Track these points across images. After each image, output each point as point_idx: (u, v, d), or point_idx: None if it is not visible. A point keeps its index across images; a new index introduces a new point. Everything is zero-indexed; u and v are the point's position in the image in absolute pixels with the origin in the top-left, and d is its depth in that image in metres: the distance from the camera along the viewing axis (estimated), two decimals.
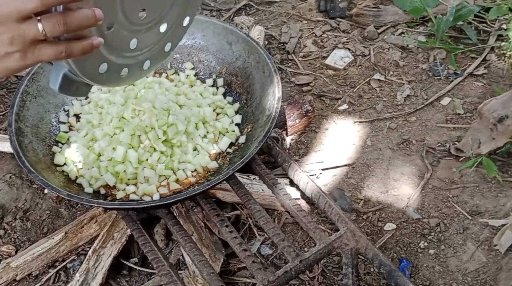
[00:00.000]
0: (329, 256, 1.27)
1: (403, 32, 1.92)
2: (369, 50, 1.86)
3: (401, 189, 1.51)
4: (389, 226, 1.43)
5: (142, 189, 1.29)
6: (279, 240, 1.20)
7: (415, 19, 1.94)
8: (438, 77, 1.78)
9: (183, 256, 1.36)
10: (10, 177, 1.54)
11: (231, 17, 2.01)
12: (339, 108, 1.72)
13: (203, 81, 1.56)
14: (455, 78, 1.77)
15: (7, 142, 1.56)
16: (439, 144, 1.60)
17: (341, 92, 1.76)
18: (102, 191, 1.30)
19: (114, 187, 1.31)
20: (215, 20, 1.56)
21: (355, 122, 1.68)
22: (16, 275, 1.32)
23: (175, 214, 1.35)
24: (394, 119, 1.68)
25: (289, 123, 1.58)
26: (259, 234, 1.42)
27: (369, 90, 1.76)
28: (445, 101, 1.71)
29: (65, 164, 1.35)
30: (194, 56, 1.58)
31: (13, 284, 1.34)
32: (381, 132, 1.65)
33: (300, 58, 1.86)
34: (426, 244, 1.39)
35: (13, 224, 1.45)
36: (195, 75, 1.57)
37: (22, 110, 1.34)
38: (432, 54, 1.84)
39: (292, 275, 1.15)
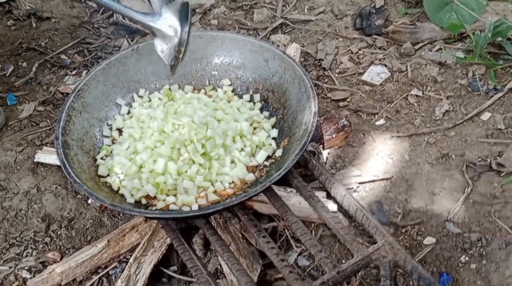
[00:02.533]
0: (366, 268, 1.26)
1: (440, 49, 1.91)
2: (406, 66, 1.86)
3: (440, 203, 1.49)
4: (429, 240, 1.41)
5: (182, 199, 1.32)
6: (316, 251, 1.20)
7: (452, 35, 1.94)
8: (478, 93, 1.76)
9: (221, 266, 1.37)
10: (56, 188, 1.60)
11: (268, 36, 2.05)
12: (376, 123, 1.72)
13: (240, 97, 1.59)
14: (495, 93, 1.74)
15: (53, 155, 1.63)
16: (480, 159, 1.57)
17: (378, 107, 1.76)
18: (143, 201, 1.34)
19: (155, 197, 1.35)
20: (251, 39, 1.60)
21: (392, 136, 1.67)
22: (61, 281, 1.36)
23: (213, 225, 1.37)
24: (432, 134, 1.66)
25: (325, 137, 1.59)
26: (296, 246, 1.42)
27: (406, 105, 1.76)
28: (485, 116, 1.69)
29: (108, 175, 1.39)
30: (231, 73, 1.62)
31: None
32: (419, 146, 1.64)
33: (336, 74, 1.88)
34: (467, 258, 1.36)
35: (59, 232, 1.51)
36: (233, 91, 1.61)
37: (68, 124, 1.41)
38: (471, 69, 1.82)
39: None
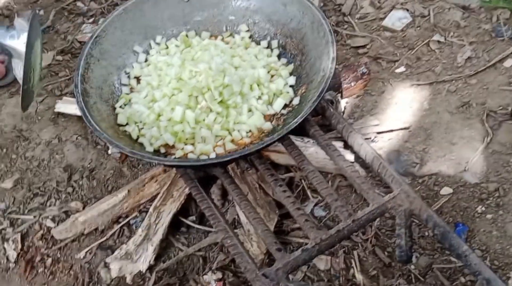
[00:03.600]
0: (382, 216, 1.28)
1: None
2: (429, 11, 1.80)
3: (459, 153, 1.48)
4: (446, 190, 1.41)
5: (200, 148, 1.33)
6: (332, 200, 1.21)
7: None
8: (502, 38, 1.70)
9: (238, 216, 1.40)
10: (76, 138, 1.63)
11: None
12: (396, 70, 1.69)
13: (258, 43, 1.56)
14: None
15: (73, 105, 1.64)
16: (501, 107, 1.54)
17: (398, 54, 1.73)
18: (162, 150, 1.36)
19: (173, 146, 1.36)
20: None
21: (412, 85, 1.65)
22: (84, 229, 1.41)
23: (231, 174, 1.39)
24: (453, 81, 1.63)
25: (344, 86, 1.57)
26: (312, 196, 1.44)
27: (427, 52, 1.72)
28: (508, 63, 1.64)
29: (127, 124, 1.41)
30: (249, 18, 1.59)
31: (81, 237, 1.44)
32: (439, 95, 1.61)
33: (356, 20, 1.83)
34: (483, 209, 1.36)
35: (80, 183, 1.55)
36: (250, 37, 1.58)
37: (86, 72, 1.41)
38: (496, 14, 1.75)
39: (344, 234, 1.17)
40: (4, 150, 1.63)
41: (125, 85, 1.50)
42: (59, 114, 1.69)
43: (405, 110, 1.59)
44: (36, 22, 1.15)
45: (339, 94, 1.57)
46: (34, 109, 1.71)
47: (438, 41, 1.72)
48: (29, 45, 1.13)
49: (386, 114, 1.59)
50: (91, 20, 1.97)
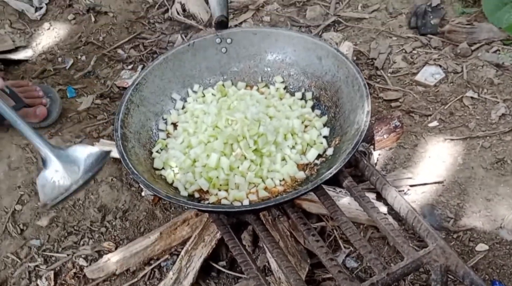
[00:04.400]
0: (417, 271, 1.26)
1: (498, 50, 1.86)
2: (462, 67, 1.82)
3: (494, 209, 1.46)
4: (481, 247, 1.38)
5: (233, 195, 1.35)
6: (366, 252, 1.20)
7: (511, 36, 1.88)
8: None
9: (268, 263, 1.39)
10: (111, 179, 1.66)
11: (320, 33, 2.05)
12: (429, 125, 1.69)
13: (292, 94, 1.60)
14: None
15: (109, 147, 1.68)
16: None
17: (431, 109, 1.74)
18: (196, 195, 1.38)
19: (207, 192, 1.38)
20: (305, 36, 1.61)
21: (445, 139, 1.65)
22: (116, 270, 1.42)
23: (263, 221, 1.39)
24: (487, 137, 1.63)
25: (377, 138, 1.58)
26: (344, 247, 1.43)
27: (461, 107, 1.72)
28: None
29: (163, 168, 1.44)
30: (284, 70, 1.63)
31: (113, 278, 1.44)
32: (473, 150, 1.60)
33: (389, 74, 1.86)
34: None
35: (114, 223, 1.57)
36: (285, 88, 1.62)
37: (126, 117, 1.46)
38: None
39: None
40: None
41: (162, 130, 1.54)
42: None
43: (439, 165, 1.59)
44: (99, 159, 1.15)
45: (372, 146, 1.58)
46: None
47: (472, 97, 1.73)
48: (85, 183, 1.15)
49: (419, 168, 1.59)
50: (130, 66, 2.04)
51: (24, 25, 2.19)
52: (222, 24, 1.60)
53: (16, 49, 2.09)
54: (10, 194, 1.66)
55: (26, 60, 2.07)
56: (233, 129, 1.41)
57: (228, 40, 1.63)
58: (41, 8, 2.21)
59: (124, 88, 1.95)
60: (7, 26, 2.18)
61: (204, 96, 1.62)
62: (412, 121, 1.72)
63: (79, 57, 2.09)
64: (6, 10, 2.23)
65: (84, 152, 1.16)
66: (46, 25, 2.19)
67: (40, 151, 1.16)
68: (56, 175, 1.14)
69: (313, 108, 1.56)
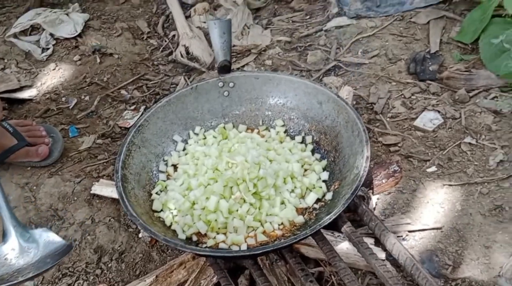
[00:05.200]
0: None
1: (496, 97, 1.89)
2: (460, 113, 1.85)
3: (493, 257, 1.45)
4: None
5: (231, 238, 1.34)
6: None
7: (509, 83, 1.91)
8: None
9: None
10: (109, 220, 1.66)
11: (321, 78, 2.08)
12: (428, 170, 1.70)
13: (293, 138, 1.62)
14: None
15: (109, 187, 1.70)
16: None
17: (429, 154, 1.75)
18: (194, 238, 1.37)
19: (205, 235, 1.38)
20: (306, 81, 1.63)
21: (444, 185, 1.65)
22: None
23: (260, 266, 1.38)
24: (486, 184, 1.63)
25: (375, 182, 1.58)
26: None
27: (459, 153, 1.74)
28: None
29: (161, 210, 1.44)
30: (285, 114, 1.65)
31: None
32: (471, 197, 1.61)
33: (388, 119, 1.88)
34: None
35: (109, 265, 1.56)
36: (285, 132, 1.64)
37: (127, 158, 1.47)
38: None
39: None
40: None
41: (162, 172, 1.55)
42: (95, 195, 1.73)
43: (437, 210, 1.59)
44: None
45: (371, 190, 1.58)
46: (72, 189, 1.76)
47: (470, 143, 1.75)
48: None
49: (418, 213, 1.59)
50: (132, 107, 2.07)
51: (30, 65, 2.24)
52: (225, 68, 1.64)
53: (21, 89, 2.13)
54: None
55: (30, 99, 2.11)
56: (233, 172, 1.42)
57: (231, 84, 1.66)
58: (47, 49, 2.26)
59: (126, 129, 1.97)
60: (13, 66, 2.22)
61: (205, 138, 1.64)
62: (411, 166, 1.73)
63: (82, 97, 2.12)
64: (13, 50, 2.28)
65: (46, 239, 1.15)
66: (51, 65, 2.23)
67: (3, 223, 1.15)
68: (10, 253, 1.13)
69: (313, 152, 1.57)
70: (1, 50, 2.29)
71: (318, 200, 1.45)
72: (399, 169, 1.58)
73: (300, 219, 1.40)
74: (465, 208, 1.58)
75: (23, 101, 2.10)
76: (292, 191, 1.46)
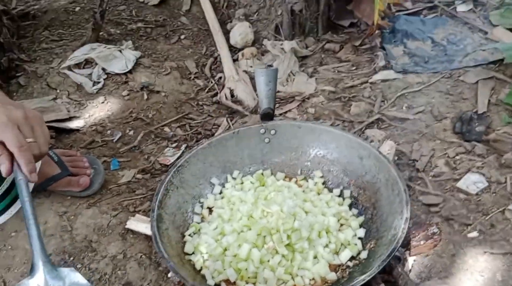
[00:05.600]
0: None
1: None
2: (506, 178, 1.78)
3: None
4: None
5: None
6: None
7: None
8: None
9: None
10: (140, 256, 1.66)
11: (363, 130, 2.07)
12: (469, 235, 1.64)
13: (331, 190, 1.60)
14: None
15: (144, 223, 1.70)
16: None
17: (471, 218, 1.69)
18: (223, 285, 1.36)
19: (234, 283, 1.36)
20: (349, 134, 1.63)
21: (485, 252, 1.58)
22: None
23: None
24: None
25: (413, 243, 1.54)
26: None
27: (503, 220, 1.67)
28: None
29: (193, 253, 1.44)
30: (324, 166, 1.64)
31: None
32: None
33: (430, 178, 1.84)
34: None
35: None
36: (323, 183, 1.63)
37: (164, 198, 1.48)
38: None
39: None
40: (71, 258, 1.69)
41: (197, 214, 1.56)
42: (129, 230, 1.74)
43: (476, 278, 1.52)
44: None
45: (408, 251, 1.54)
46: (107, 222, 1.78)
47: None
48: None
49: (456, 280, 1.52)
50: (174, 145, 2.10)
51: (81, 97, 2.32)
52: (268, 115, 1.65)
53: (69, 119, 2.20)
54: None
55: (78, 130, 2.17)
56: (267, 221, 1.41)
57: (272, 131, 1.67)
58: (98, 82, 2.34)
59: (166, 165, 2.00)
60: (64, 96, 2.31)
61: (242, 183, 1.64)
62: (451, 229, 1.67)
63: (127, 131, 2.17)
64: (66, 81, 2.38)
65: (72, 279, 1.18)
66: (101, 98, 2.31)
67: (33, 257, 1.17)
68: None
69: (350, 206, 1.55)
70: (55, 80, 2.38)
71: (352, 258, 1.41)
72: (438, 232, 1.54)
73: (332, 276, 1.36)
74: (506, 279, 1.50)
75: (70, 131, 2.16)
76: (326, 246, 1.43)
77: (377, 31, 2.47)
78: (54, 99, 2.32)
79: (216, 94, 2.34)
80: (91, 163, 1.90)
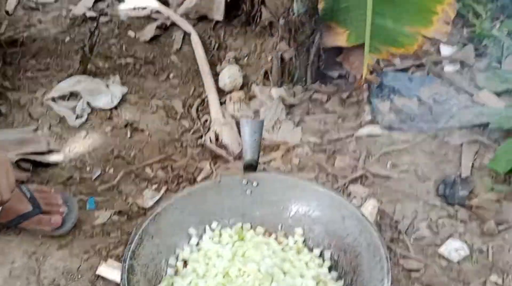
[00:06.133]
0: None
1: None
2: (487, 247, 1.77)
3: None
4: None
5: None
6: None
7: None
8: None
9: None
10: None
11: (346, 185, 2.05)
12: None
13: (311, 250, 1.56)
14: None
15: (115, 270, 1.64)
16: None
17: None
18: None
19: None
20: (332, 192, 1.60)
21: None
22: None
23: None
24: None
25: None
26: None
27: None
28: None
29: None
30: (305, 223, 1.61)
31: None
32: None
33: (411, 240, 1.81)
34: None
35: None
36: (304, 241, 1.59)
37: (138, 248, 1.43)
38: None
39: None
40: None
41: (171, 266, 1.50)
42: (99, 276, 1.68)
43: None
44: None
45: None
46: (77, 265, 1.71)
47: (496, 283, 1.65)
48: None
49: None
50: (154, 186, 2.05)
51: (62, 130, 2.27)
52: (251, 167, 1.62)
53: (48, 152, 2.14)
54: None
55: (56, 164, 2.11)
56: (243, 281, 1.36)
57: (254, 183, 1.64)
58: (82, 116, 2.30)
59: (144, 209, 1.94)
60: (46, 128, 2.26)
61: (221, 235, 1.59)
62: None
63: (107, 169, 2.12)
64: (48, 113, 2.33)
65: None
66: (83, 133, 2.26)
67: None
68: None
69: (330, 269, 1.51)
70: (37, 111, 2.34)
71: None
72: None
73: None
74: None
75: (48, 165, 2.10)
76: None
77: (364, 85, 2.49)
78: (35, 130, 2.26)
79: (201, 136, 2.31)
80: (65, 201, 1.84)
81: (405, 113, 2.40)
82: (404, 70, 2.72)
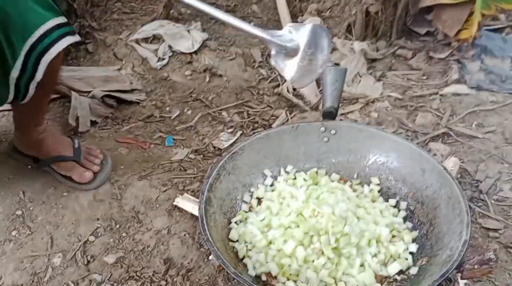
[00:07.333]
0: None
1: None
2: None
3: None
4: None
5: None
6: None
7: None
8: None
9: None
10: (184, 234, 1.65)
11: (427, 142, 1.98)
12: None
13: (386, 200, 1.53)
14: None
15: (191, 203, 1.69)
16: None
17: None
18: (263, 277, 1.33)
19: (275, 277, 1.32)
20: (413, 145, 1.55)
21: None
22: None
23: None
24: None
25: (466, 266, 1.45)
26: None
27: None
28: None
29: (237, 240, 1.41)
30: (382, 173, 1.58)
31: None
32: None
33: (492, 201, 1.74)
34: None
35: (175, 279, 1.53)
36: (379, 191, 1.56)
37: (215, 182, 1.46)
38: None
39: None
40: (118, 226, 1.70)
41: (245, 202, 1.53)
42: (176, 207, 1.74)
43: None
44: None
45: (460, 274, 1.45)
46: (156, 196, 1.78)
47: None
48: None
49: None
50: (230, 130, 2.08)
51: (145, 71, 2.33)
52: (330, 115, 1.60)
53: (131, 91, 2.21)
54: (88, 224, 1.70)
55: (138, 102, 2.19)
56: (317, 221, 1.36)
57: (332, 131, 1.62)
58: (163, 59, 2.35)
59: (219, 149, 1.98)
60: (129, 68, 2.33)
61: (295, 178, 1.60)
62: (509, 258, 1.57)
63: (185, 110, 2.17)
64: (132, 54, 2.40)
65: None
66: (164, 75, 2.32)
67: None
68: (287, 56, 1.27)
69: (405, 219, 1.48)
70: (121, 52, 2.41)
71: (400, 272, 1.34)
72: (495, 258, 1.44)
73: None
74: None
75: (130, 103, 2.18)
76: (375, 255, 1.37)
77: (455, 44, 2.36)
78: (119, 69, 2.34)
79: (278, 85, 2.30)
80: (102, 162, 1.87)
81: (496, 74, 2.27)
82: (498, 30, 2.56)
